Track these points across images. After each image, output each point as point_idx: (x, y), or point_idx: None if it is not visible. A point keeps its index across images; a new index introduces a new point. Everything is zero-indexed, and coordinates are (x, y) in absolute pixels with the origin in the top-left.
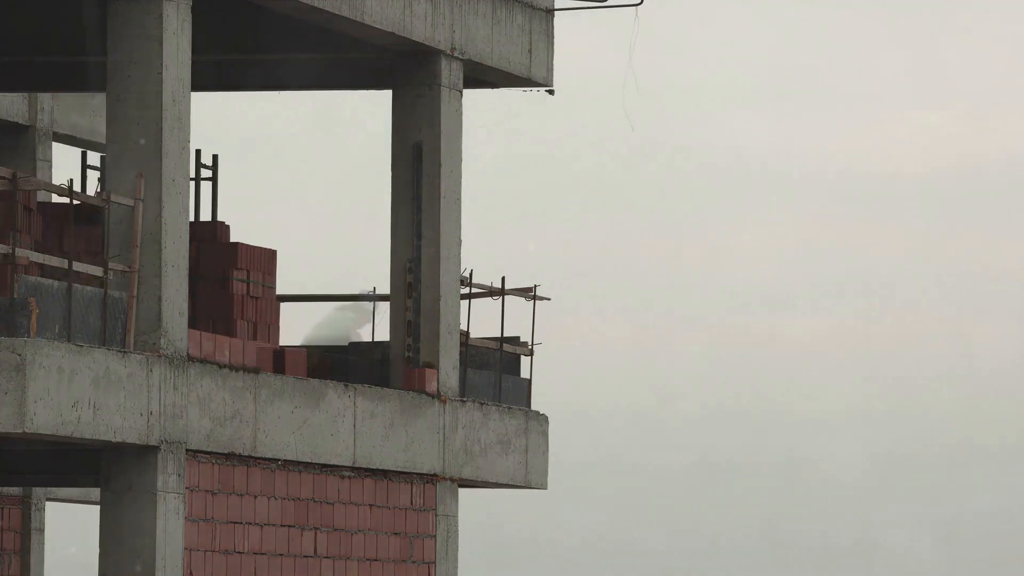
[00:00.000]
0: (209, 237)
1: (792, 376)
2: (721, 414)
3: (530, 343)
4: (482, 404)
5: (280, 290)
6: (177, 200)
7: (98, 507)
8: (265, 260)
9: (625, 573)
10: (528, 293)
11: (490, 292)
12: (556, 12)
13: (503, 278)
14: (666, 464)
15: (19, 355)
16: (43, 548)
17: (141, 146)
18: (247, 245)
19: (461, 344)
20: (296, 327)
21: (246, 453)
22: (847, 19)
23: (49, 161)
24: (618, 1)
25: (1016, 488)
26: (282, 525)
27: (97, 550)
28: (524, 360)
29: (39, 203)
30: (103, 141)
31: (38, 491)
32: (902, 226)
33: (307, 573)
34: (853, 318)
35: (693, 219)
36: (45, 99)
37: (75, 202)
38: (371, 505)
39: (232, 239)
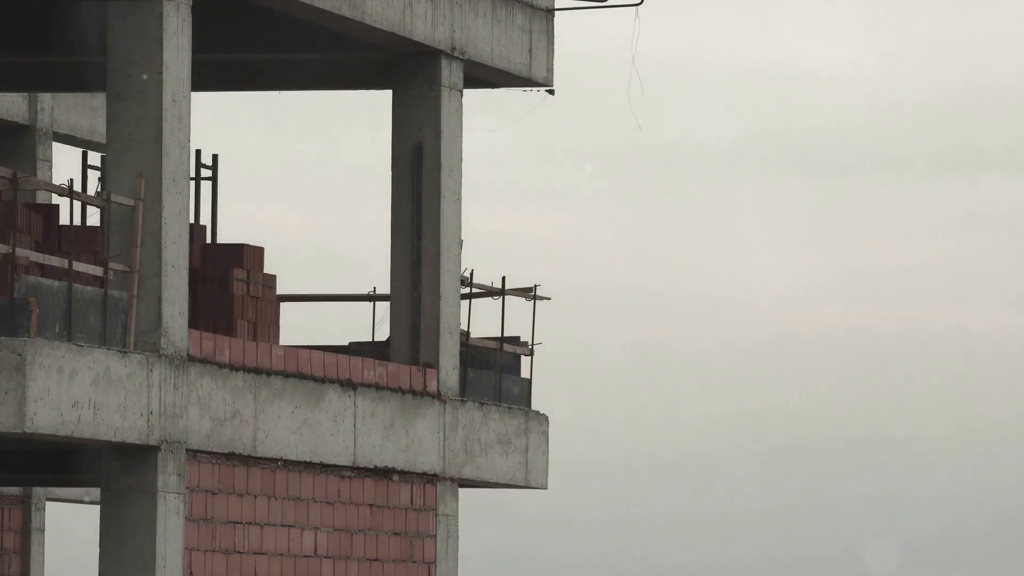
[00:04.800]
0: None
1: (794, 372)
2: (722, 412)
3: (530, 343)
4: (482, 404)
5: (280, 290)
6: (177, 200)
7: (98, 507)
8: (259, 259)
9: (625, 572)
10: (528, 293)
11: (490, 292)
12: (556, 12)
13: (503, 278)
14: (666, 463)
15: (19, 355)
16: (43, 548)
17: (141, 146)
18: (250, 245)
19: (461, 344)
20: (295, 327)
21: (246, 453)
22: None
23: (49, 161)
24: (618, 1)
25: None
26: (282, 525)
27: (97, 550)
28: (524, 360)
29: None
30: (103, 141)
31: (38, 491)
32: None
33: (307, 573)
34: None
35: (695, 218)
36: (45, 99)
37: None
38: (371, 505)
39: (231, 239)
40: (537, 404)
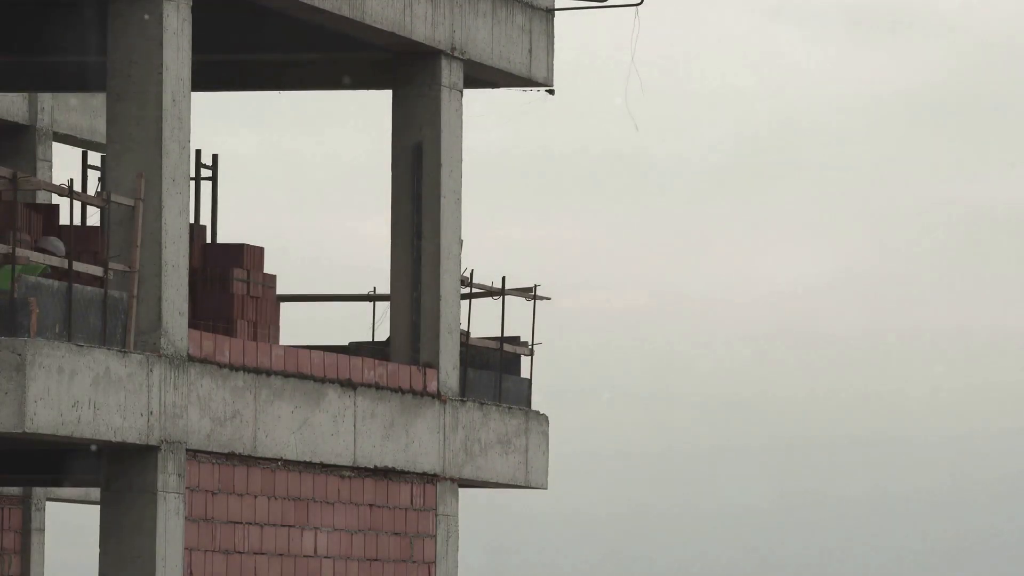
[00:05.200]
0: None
1: (795, 372)
2: (722, 409)
3: (530, 343)
4: (482, 404)
5: (280, 290)
6: (177, 200)
7: (98, 507)
8: (259, 259)
9: (625, 571)
10: (528, 293)
11: (490, 292)
12: (556, 12)
13: (503, 278)
14: (667, 463)
15: (19, 355)
16: (43, 548)
17: (141, 146)
18: (250, 245)
19: (461, 344)
20: (295, 327)
21: (246, 453)
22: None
23: (49, 161)
24: (618, 1)
25: None
26: (282, 525)
27: (97, 550)
28: (524, 360)
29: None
30: (103, 141)
31: (38, 491)
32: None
33: (307, 573)
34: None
35: (695, 217)
36: (45, 99)
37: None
38: (371, 505)
39: (231, 239)
40: (537, 404)
